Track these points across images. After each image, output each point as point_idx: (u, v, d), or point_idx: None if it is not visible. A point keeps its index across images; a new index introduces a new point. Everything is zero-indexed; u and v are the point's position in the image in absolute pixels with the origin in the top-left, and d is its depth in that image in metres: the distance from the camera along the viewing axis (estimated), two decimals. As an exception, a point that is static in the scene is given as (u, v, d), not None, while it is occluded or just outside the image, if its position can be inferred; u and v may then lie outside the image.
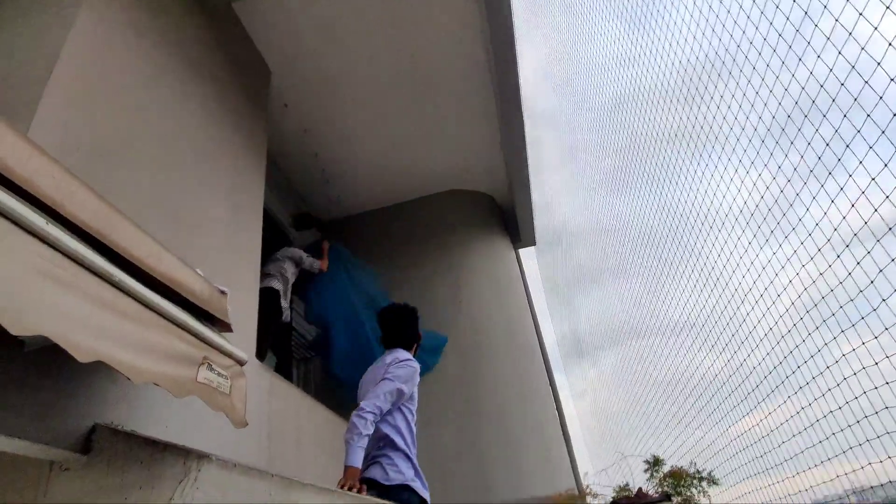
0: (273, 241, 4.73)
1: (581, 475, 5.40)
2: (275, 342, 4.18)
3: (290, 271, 4.45)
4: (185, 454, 1.75)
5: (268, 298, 4.03)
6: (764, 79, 3.59)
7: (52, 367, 1.76)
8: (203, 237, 2.87)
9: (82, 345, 1.28)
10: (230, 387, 1.87)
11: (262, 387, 3.15)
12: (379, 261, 6.16)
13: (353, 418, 2.31)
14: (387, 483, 2.32)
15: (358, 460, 2.21)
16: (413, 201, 6.53)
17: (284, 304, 4.31)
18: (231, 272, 3.07)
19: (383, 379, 2.49)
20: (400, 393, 2.50)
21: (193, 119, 3.07)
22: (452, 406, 5.11)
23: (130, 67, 2.58)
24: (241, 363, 1.99)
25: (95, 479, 1.78)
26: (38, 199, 1.32)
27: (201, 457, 1.73)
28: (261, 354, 3.98)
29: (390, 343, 2.83)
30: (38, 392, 1.70)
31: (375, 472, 2.37)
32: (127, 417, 2.06)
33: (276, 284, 4.21)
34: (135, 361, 1.44)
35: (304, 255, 4.67)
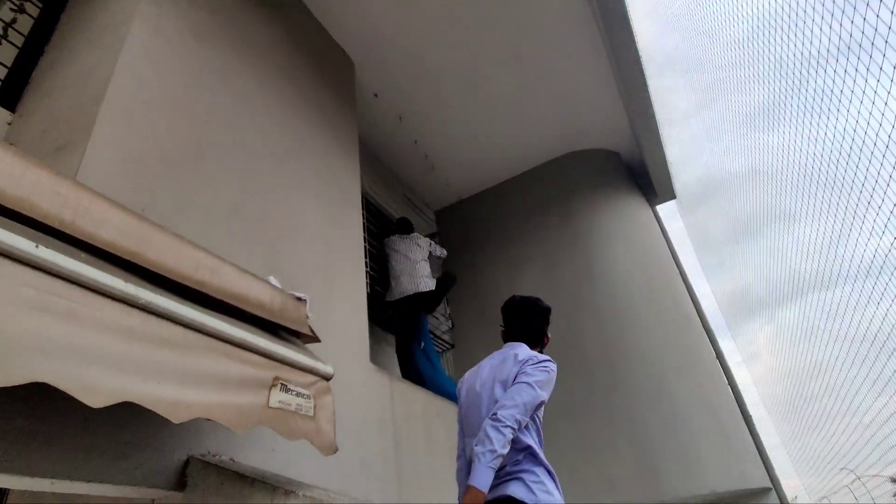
0: (382, 235, 4.57)
1: (786, 491, 4.37)
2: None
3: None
4: (273, 490, 1.52)
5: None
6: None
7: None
8: (296, 240, 2.71)
9: (100, 387, 1.06)
10: (314, 407, 1.61)
11: (382, 391, 2.94)
12: (499, 242, 5.77)
13: (490, 430, 1.85)
14: None
15: (487, 482, 1.78)
16: (528, 172, 6.01)
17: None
18: (332, 273, 2.88)
19: (521, 382, 2.02)
20: (541, 404, 2.03)
21: (272, 119, 2.92)
22: (601, 388, 4.56)
23: (194, 74, 2.47)
24: (326, 378, 1.72)
25: (192, 518, 1.63)
26: (36, 220, 1.13)
27: (288, 493, 1.48)
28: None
29: (513, 336, 2.34)
30: (121, 430, 1.58)
31: (518, 490, 1.90)
32: (227, 444, 1.91)
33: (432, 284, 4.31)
34: (177, 396, 1.21)
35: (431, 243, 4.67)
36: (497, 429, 1.81)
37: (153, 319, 1.24)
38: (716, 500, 4.31)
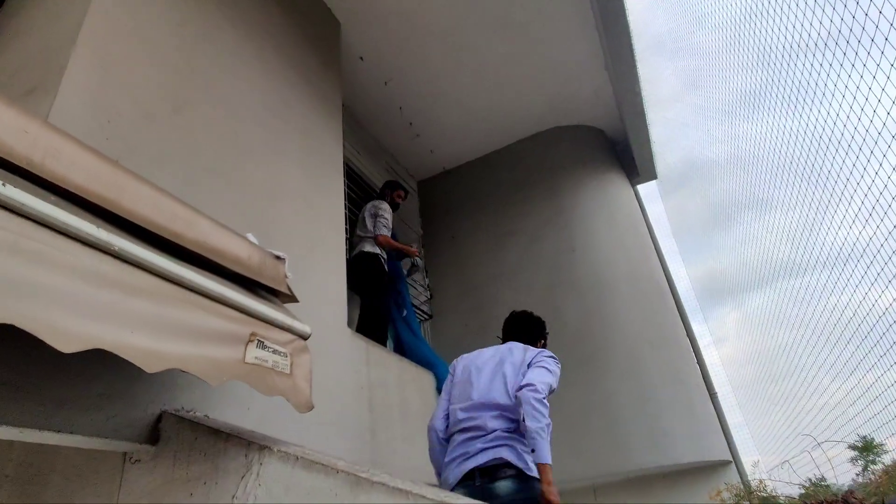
0: (363, 202, 4.52)
1: (745, 466, 4.52)
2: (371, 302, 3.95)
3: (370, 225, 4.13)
4: (247, 445, 1.52)
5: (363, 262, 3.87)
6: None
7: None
8: (277, 202, 2.66)
9: (71, 331, 1.04)
10: (290, 365, 1.60)
11: (357, 357, 2.95)
12: (483, 214, 5.77)
13: (537, 404, 1.90)
14: (529, 473, 1.94)
15: (551, 455, 1.87)
16: (513, 145, 5.99)
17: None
18: (312, 237, 2.85)
19: (543, 367, 2.11)
20: (551, 392, 2.08)
21: (254, 78, 2.84)
22: (576, 361, 4.64)
23: (173, 25, 2.37)
24: (303, 337, 1.72)
25: (164, 472, 1.63)
26: (2, 159, 1.08)
27: (263, 448, 1.49)
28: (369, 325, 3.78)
29: (513, 339, 2.46)
30: (94, 382, 1.56)
31: (510, 455, 1.96)
32: (202, 401, 1.91)
33: (369, 247, 3.97)
34: (151, 346, 1.19)
35: (382, 211, 4.17)
36: (542, 401, 1.92)
37: (127, 268, 1.21)
38: (678, 471, 4.48)
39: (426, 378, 3.72)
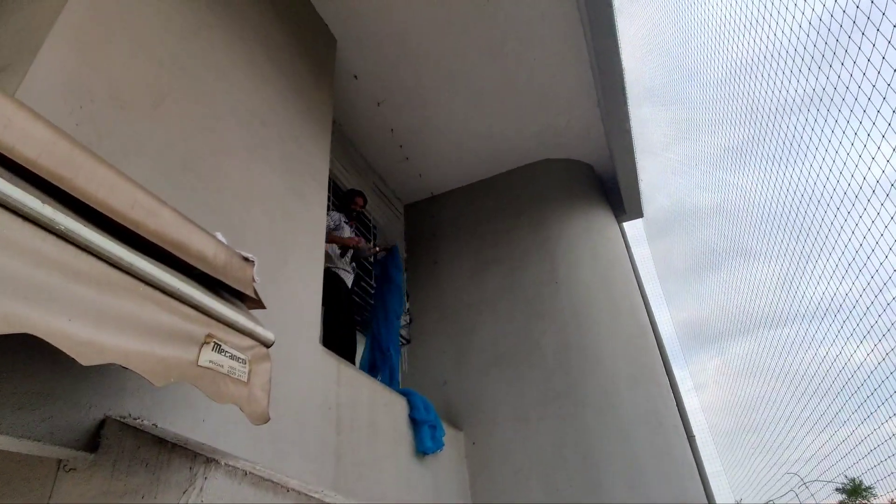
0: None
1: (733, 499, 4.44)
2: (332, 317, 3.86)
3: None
4: (193, 457, 1.39)
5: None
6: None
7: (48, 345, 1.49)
8: (252, 206, 2.57)
9: (-5, 313, 0.93)
10: (248, 372, 1.49)
11: (328, 375, 2.82)
12: (467, 241, 5.72)
13: None
14: None
15: None
16: (502, 175, 5.99)
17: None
18: (287, 246, 2.75)
19: None
20: None
21: (242, 81, 2.79)
22: (553, 395, 4.54)
23: (161, 16, 2.32)
24: (266, 344, 1.61)
25: (100, 482, 1.48)
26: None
27: (209, 461, 1.36)
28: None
29: None
30: (30, 379, 1.43)
31: None
32: (152, 408, 1.77)
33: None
34: (90, 337, 1.08)
35: (334, 220, 4.14)
36: None
37: (71, 249, 1.11)
38: (654, 514, 4.33)
39: (399, 403, 3.58)
